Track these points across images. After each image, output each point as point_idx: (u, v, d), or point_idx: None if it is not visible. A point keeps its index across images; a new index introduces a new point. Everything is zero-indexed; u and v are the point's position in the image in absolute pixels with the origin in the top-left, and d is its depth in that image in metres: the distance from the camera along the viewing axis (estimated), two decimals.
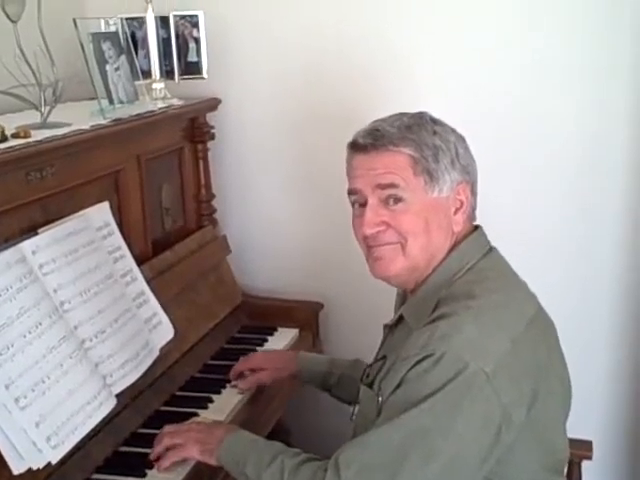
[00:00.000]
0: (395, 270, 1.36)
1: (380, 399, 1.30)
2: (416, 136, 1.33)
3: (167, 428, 1.54)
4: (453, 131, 1.40)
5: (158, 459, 1.51)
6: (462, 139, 1.40)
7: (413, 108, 2.06)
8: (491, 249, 1.40)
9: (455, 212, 1.36)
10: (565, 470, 1.52)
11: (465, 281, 1.33)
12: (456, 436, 1.18)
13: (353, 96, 2.27)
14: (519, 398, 1.23)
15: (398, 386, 1.24)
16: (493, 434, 1.20)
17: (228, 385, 1.88)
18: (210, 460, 1.44)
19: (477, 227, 1.43)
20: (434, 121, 1.39)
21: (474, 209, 1.41)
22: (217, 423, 1.61)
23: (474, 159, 1.41)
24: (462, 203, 1.37)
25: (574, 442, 1.72)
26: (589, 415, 2.18)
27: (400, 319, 1.42)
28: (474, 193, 1.40)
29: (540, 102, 2.15)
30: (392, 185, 1.32)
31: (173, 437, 1.50)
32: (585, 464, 1.83)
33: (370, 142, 1.33)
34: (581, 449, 1.80)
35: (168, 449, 1.49)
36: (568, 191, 2.19)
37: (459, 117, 2.13)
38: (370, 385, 1.39)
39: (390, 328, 1.48)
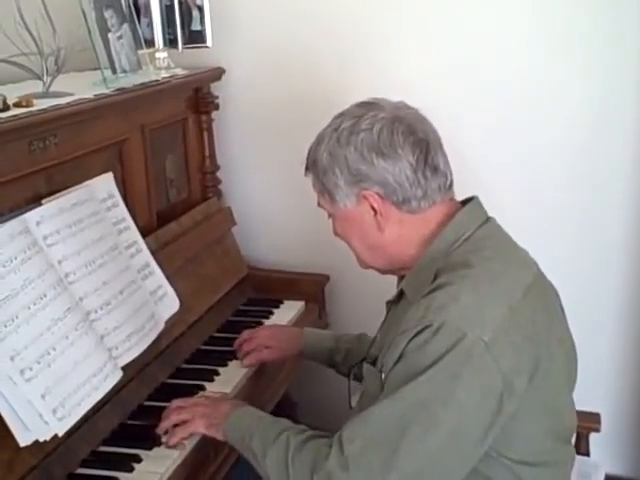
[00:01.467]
0: (363, 266, 1.47)
1: (383, 375, 1.29)
2: (313, 157, 1.40)
3: (174, 402, 1.55)
4: (353, 133, 1.33)
5: (165, 432, 1.52)
6: (365, 136, 1.32)
7: (417, 82, 2.04)
8: (488, 219, 1.39)
9: (375, 214, 1.36)
10: (573, 439, 1.51)
11: (462, 251, 1.32)
12: (457, 406, 1.18)
13: (364, 64, 2.24)
14: (519, 365, 1.22)
15: (398, 359, 1.24)
16: (495, 403, 1.19)
17: (234, 358, 1.87)
18: (216, 434, 1.45)
19: (472, 198, 1.41)
20: (336, 129, 1.36)
21: (417, 196, 1.33)
22: (224, 398, 1.61)
23: (384, 152, 1.32)
24: (375, 210, 1.35)
25: (582, 414, 1.71)
26: (597, 387, 2.18)
27: (401, 294, 1.42)
28: (391, 187, 1.33)
29: (545, 73, 2.11)
30: (319, 204, 1.44)
31: (180, 413, 1.51)
32: (593, 436, 1.83)
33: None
34: (589, 421, 1.81)
35: (176, 425, 1.50)
36: (576, 162, 2.16)
37: (464, 89, 2.16)
38: (373, 363, 1.39)
39: (392, 304, 1.47)
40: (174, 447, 1.49)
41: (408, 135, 1.33)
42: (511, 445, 1.26)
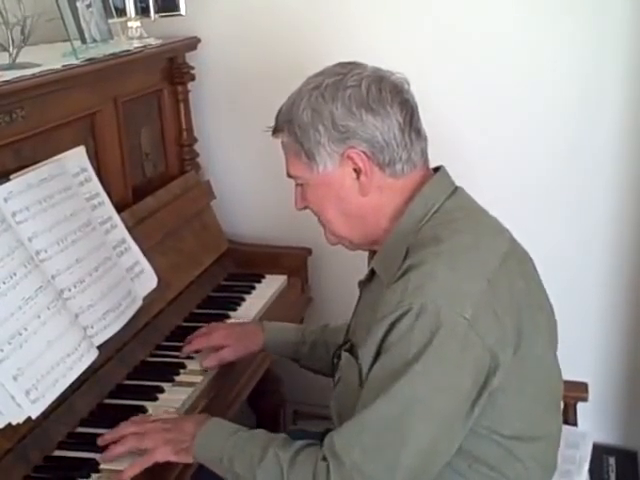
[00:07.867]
0: (333, 240, 1.40)
1: (363, 367, 1.24)
2: (287, 117, 1.34)
3: (128, 427, 1.39)
4: (339, 89, 1.28)
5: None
6: (353, 92, 1.28)
7: (398, 58, 1.99)
8: (456, 189, 1.36)
9: (358, 177, 1.31)
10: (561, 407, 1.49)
11: (431, 225, 1.28)
12: (452, 390, 1.16)
13: (346, 32, 2.17)
14: (504, 337, 1.19)
15: (381, 351, 1.20)
16: (483, 378, 1.18)
17: None
18: (186, 459, 1.33)
19: (439, 168, 1.37)
20: (317, 86, 1.31)
21: (402, 159, 1.30)
22: (184, 416, 1.48)
23: (373, 108, 1.27)
24: (358, 170, 1.30)
25: (569, 384, 1.70)
26: (584, 356, 2.16)
27: (373, 273, 1.37)
28: (378, 146, 1.28)
29: (531, 47, 2.07)
30: (289, 174, 1.38)
31: (141, 440, 1.35)
32: (580, 406, 1.81)
33: (273, 127, 1.39)
34: (576, 391, 1.79)
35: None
36: (564, 134, 2.12)
37: (455, 61, 2.11)
38: (350, 351, 1.34)
39: (364, 284, 1.42)
40: None
41: (395, 94, 1.30)
42: (502, 420, 1.24)
